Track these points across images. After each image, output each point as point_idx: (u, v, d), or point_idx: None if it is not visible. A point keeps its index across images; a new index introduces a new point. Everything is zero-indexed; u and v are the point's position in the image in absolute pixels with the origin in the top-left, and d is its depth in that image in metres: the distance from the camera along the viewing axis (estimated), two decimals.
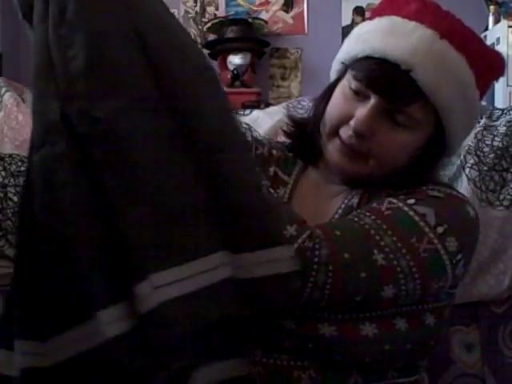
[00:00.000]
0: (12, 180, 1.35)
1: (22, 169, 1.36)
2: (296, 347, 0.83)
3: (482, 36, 3.43)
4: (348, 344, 0.82)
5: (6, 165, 1.36)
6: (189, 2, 3.84)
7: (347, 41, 0.96)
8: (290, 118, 1.05)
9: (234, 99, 2.66)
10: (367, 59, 0.88)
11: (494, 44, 3.23)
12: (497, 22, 3.35)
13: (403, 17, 0.90)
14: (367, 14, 3.82)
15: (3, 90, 1.51)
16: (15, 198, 1.35)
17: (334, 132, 0.91)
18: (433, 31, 0.87)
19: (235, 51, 3.32)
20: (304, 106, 1.48)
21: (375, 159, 0.90)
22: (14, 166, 1.36)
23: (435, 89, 0.85)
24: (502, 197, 1.27)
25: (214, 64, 3.21)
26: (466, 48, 0.89)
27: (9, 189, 1.35)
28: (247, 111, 1.52)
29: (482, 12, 3.60)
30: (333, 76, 0.99)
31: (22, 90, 1.65)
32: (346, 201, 0.93)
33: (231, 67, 3.26)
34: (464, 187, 1.26)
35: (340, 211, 0.93)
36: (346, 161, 0.91)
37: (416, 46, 0.86)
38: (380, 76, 0.87)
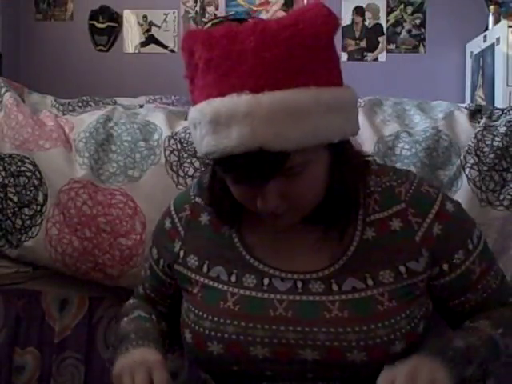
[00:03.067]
0: (12, 180, 1.35)
1: (22, 169, 1.36)
2: (321, 376, 0.87)
3: (482, 36, 3.42)
4: (378, 364, 0.83)
5: (5, 165, 1.36)
6: (189, 2, 3.84)
7: (193, 135, 0.85)
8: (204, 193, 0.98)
9: None
10: (221, 160, 0.80)
11: (494, 44, 3.24)
12: (497, 22, 3.35)
13: (217, 96, 0.78)
14: (367, 14, 3.82)
15: (3, 89, 1.51)
16: (15, 198, 1.35)
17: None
18: (246, 94, 0.76)
19: None
20: None
21: (299, 208, 0.86)
22: (13, 166, 1.36)
23: (289, 143, 0.76)
24: (502, 197, 1.27)
25: None
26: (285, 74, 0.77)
27: (9, 189, 1.35)
28: None
29: (482, 12, 3.60)
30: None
31: (22, 90, 1.65)
32: (357, 234, 0.90)
33: None
34: (464, 187, 1.26)
35: (353, 246, 0.90)
36: (276, 222, 0.88)
37: (243, 131, 0.75)
38: (242, 172, 0.80)
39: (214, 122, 0.77)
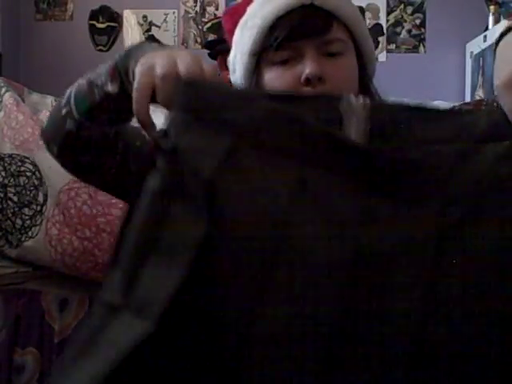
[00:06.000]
0: (12, 180, 1.35)
1: (22, 169, 1.36)
2: None
3: (482, 36, 3.43)
4: None
5: (5, 165, 1.36)
6: (189, 2, 3.84)
7: (242, 37, 0.98)
8: None
9: None
10: (274, 26, 0.93)
11: (494, 44, 3.23)
12: (497, 22, 3.35)
13: None
14: (367, 14, 3.82)
15: (3, 89, 1.51)
16: (15, 198, 1.35)
17: None
18: None
19: None
20: None
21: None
22: (13, 166, 1.36)
23: (337, 6, 0.94)
24: None
25: (214, 64, 3.21)
26: None
27: (9, 189, 1.35)
28: None
29: (482, 12, 3.60)
30: (245, 78, 0.99)
31: (22, 90, 1.65)
32: None
33: None
34: None
35: None
36: None
37: None
38: (296, 23, 0.92)
39: None
